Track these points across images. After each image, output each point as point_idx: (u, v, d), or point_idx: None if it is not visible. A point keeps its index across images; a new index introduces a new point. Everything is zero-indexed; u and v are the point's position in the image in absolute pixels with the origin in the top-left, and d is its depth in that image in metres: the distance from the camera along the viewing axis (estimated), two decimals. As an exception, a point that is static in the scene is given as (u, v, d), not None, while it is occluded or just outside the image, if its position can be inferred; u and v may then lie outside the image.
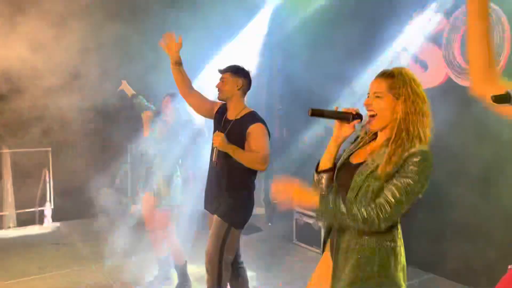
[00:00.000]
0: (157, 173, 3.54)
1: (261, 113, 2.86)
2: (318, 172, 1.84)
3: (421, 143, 1.60)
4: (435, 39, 3.96)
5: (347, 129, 1.78)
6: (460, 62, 3.75)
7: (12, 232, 5.33)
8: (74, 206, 5.46)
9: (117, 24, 4.98)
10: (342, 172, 1.78)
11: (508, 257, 3.00)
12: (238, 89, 2.82)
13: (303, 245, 4.77)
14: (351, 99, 4.39)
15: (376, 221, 1.55)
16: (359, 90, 4.48)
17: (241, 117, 2.80)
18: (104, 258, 4.21)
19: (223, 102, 2.91)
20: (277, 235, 5.25)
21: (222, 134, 2.67)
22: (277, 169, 5.14)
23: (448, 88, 3.84)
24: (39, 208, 5.60)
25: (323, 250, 1.94)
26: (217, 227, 2.73)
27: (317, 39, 5.25)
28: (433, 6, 3.95)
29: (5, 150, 5.42)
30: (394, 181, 1.57)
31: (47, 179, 5.61)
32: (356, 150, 1.82)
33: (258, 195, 6.34)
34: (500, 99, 1.06)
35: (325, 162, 1.84)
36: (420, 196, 1.60)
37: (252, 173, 2.79)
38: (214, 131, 2.84)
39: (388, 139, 1.67)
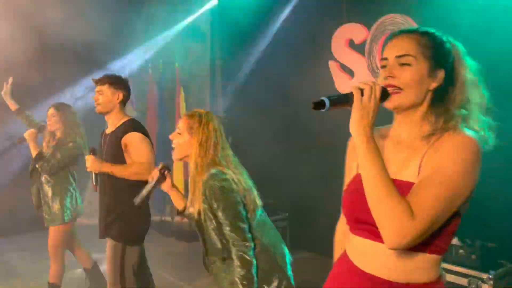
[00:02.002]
0: (46, 190, 3.42)
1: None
2: (188, 214, 2.09)
3: (216, 166, 1.93)
4: (359, 48, 4.16)
5: (167, 183, 2.11)
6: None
7: None
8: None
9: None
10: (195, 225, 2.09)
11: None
12: (119, 102, 2.68)
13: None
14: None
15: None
16: (294, 95, 4.62)
17: (116, 128, 2.66)
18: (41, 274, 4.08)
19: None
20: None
21: (92, 157, 2.55)
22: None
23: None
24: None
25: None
26: (112, 250, 2.58)
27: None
28: (356, 17, 4.16)
29: None
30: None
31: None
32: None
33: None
34: (316, 105, 1.06)
35: (181, 204, 2.13)
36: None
37: (138, 185, 2.53)
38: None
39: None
